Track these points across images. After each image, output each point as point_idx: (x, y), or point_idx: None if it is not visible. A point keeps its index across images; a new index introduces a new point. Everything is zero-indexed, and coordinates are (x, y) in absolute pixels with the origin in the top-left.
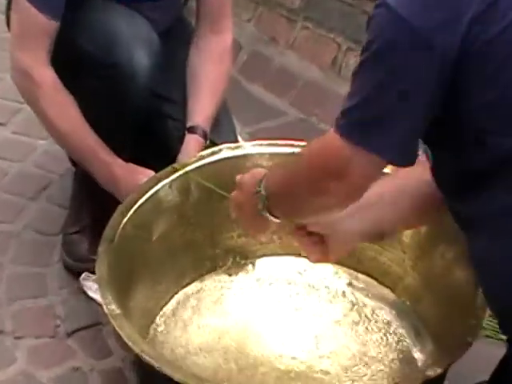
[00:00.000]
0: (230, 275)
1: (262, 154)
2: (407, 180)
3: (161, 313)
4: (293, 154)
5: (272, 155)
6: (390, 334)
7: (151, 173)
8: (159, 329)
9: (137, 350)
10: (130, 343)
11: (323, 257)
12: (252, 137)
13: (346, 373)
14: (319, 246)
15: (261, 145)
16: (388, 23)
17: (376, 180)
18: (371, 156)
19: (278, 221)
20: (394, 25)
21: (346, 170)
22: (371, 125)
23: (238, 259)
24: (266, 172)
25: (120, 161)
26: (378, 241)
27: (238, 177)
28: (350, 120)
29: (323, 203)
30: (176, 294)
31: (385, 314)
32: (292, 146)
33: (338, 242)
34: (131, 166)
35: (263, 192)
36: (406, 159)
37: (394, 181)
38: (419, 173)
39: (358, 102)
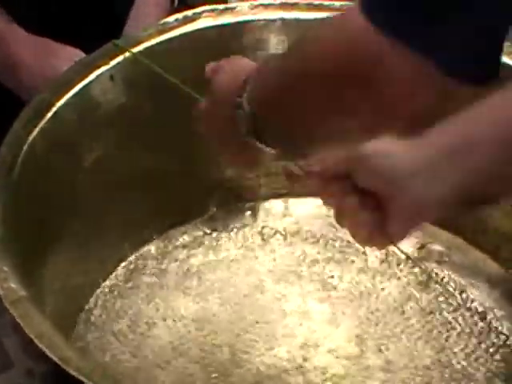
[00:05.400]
0: (214, 229)
1: (268, 22)
2: None
3: (97, 292)
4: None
5: (287, 23)
6: (487, 330)
7: (76, 53)
8: (93, 319)
9: (54, 355)
10: (41, 345)
11: (379, 237)
12: None
13: None
14: (375, 216)
15: (267, 6)
16: None
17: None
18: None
19: (272, 151)
20: None
21: (374, 72)
22: None
23: (227, 201)
24: (253, 69)
25: (23, 34)
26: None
27: (208, 71)
28: None
29: (339, 122)
30: (122, 260)
31: (478, 296)
32: (320, 7)
33: (405, 210)
34: (43, 41)
35: (246, 105)
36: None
37: None
38: None
39: None
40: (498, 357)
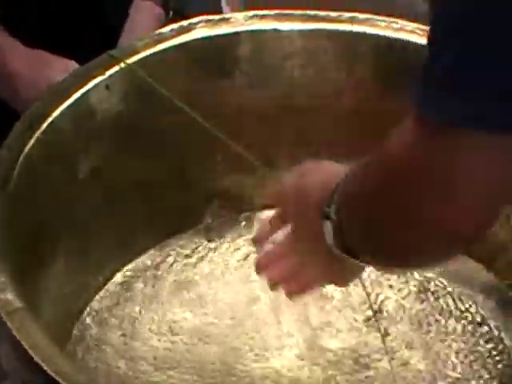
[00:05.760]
0: (209, 240)
1: (263, 33)
2: None
3: (93, 302)
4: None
5: (282, 34)
6: (484, 340)
7: (71, 65)
8: (89, 329)
9: (49, 368)
10: (36, 357)
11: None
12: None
13: None
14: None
15: (262, 17)
16: None
17: None
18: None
19: (362, 264)
20: None
21: (450, 183)
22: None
23: (222, 212)
24: (343, 176)
25: (18, 45)
26: None
27: (271, 195)
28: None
29: (432, 243)
30: (118, 270)
31: (474, 306)
32: (315, 18)
33: None
34: (37, 53)
35: (334, 216)
36: None
37: None
38: None
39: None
40: (494, 366)
